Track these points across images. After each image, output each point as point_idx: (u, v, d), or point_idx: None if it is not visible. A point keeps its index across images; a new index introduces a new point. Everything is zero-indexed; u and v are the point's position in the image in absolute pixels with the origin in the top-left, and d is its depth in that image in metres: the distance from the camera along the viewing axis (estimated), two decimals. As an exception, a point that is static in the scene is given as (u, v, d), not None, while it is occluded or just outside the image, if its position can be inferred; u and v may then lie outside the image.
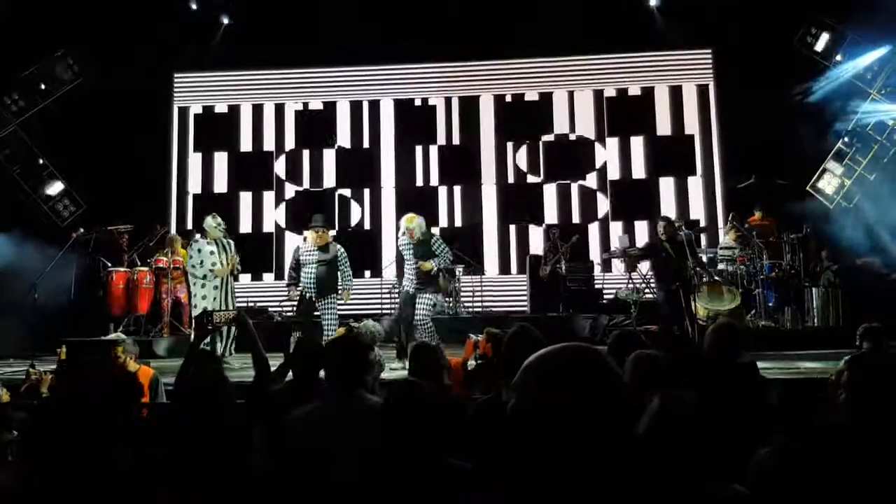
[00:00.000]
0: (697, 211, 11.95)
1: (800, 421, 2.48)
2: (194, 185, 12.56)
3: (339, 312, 7.41)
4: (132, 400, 3.77)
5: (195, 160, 12.63)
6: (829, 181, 10.69)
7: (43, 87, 10.73)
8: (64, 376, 4.43)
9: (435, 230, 7.93)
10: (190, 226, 11.81)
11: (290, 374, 3.89)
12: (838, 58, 10.57)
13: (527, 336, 2.86)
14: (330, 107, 12.60)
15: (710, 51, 12.07)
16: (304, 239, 7.58)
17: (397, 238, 7.71)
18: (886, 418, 2.30)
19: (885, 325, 4.56)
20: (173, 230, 11.07)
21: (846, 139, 10.66)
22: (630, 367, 2.74)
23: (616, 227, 12.03)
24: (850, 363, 2.45)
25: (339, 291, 7.41)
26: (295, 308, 7.69)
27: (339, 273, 7.36)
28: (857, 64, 10.43)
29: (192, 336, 7.14)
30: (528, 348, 2.66)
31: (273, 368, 3.99)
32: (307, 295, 7.24)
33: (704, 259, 8.89)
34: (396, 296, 11.04)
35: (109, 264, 9.39)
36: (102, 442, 2.56)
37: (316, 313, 7.31)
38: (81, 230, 9.45)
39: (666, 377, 2.81)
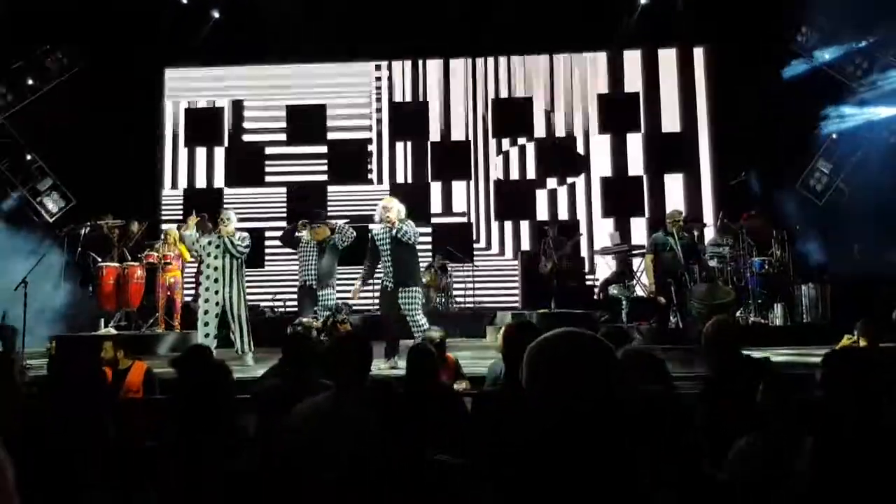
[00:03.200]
0: (689, 208, 11.99)
1: (783, 415, 2.52)
2: (185, 180, 12.51)
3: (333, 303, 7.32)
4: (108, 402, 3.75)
5: (185, 155, 12.57)
6: (819, 179, 10.79)
7: (31, 81, 10.64)
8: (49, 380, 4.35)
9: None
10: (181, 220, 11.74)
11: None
12: (827, 56, 10.68)
13: (527, 332, 2.86)
14: (319, 106, 12.59)
15: (700, 48, 12.15)
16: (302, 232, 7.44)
17: (371, 233, 6.86)
18: (863, 411, 2.33)
19: (876, 321, 4.62)
20: (166, 226, 10.95)
21: (835, 137, 10.76)
22: (622, 362, 2.73)
23: (606, 225, 12.08)
24: (825, 360, 2.47)
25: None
26: (297, 302, 7.54)
27: (337, 253, 7.25)
28: (840, 57, 10.55)
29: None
30: (529, 338, 2.67)
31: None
32: (307, 283, 7.15)
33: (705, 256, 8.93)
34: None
35: (100, 259, 9.32)
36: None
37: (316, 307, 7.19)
38: (71, 225, 9.38)
39: (658, 373, 2.83)
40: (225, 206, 11.15)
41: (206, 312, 6.98)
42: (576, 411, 1.35)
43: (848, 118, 10.63)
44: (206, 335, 6.92)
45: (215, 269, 7.01)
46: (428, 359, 3.78)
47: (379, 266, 6.76)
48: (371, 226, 6.92)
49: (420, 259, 10.91)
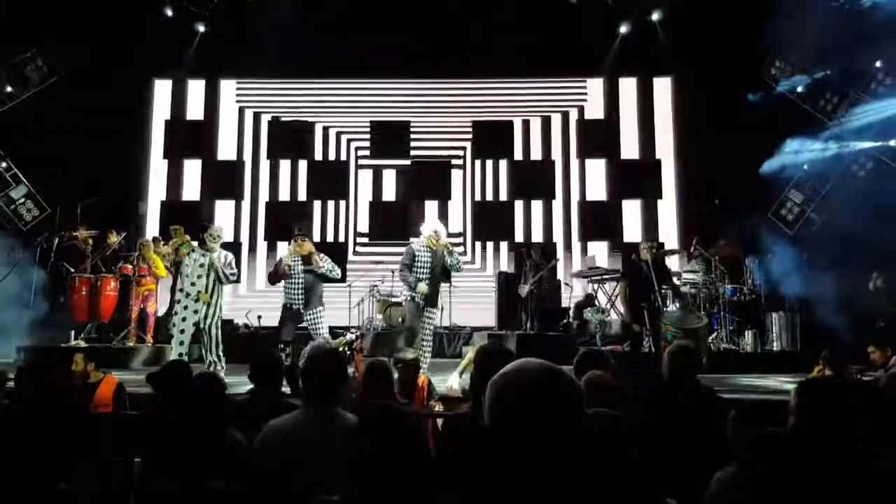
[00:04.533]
0: (660, 234, 12.19)
1: (757, 443, 2.56)
2: (163, 193, 12.42)
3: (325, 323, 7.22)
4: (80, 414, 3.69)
5: (164, 167, 12.49)
6: (790, 209, 11.02)
7: (10, 88, 10.55)
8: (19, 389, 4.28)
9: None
10: (157, 233, 11.60)
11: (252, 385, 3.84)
12: (800, 89, 10.96)
13: (498, 352, 2.89)
14: (303, 120, 12.63)
15: (671, 77, 12.44)
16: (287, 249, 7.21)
17: (410, 250, 6.90)
18: (834, 438, 2.39)
19: (844, 350, 4.74)
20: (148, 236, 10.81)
21: (806, 168, 11.02)
22: (583, 387, 2.80)
23: (581, 247, 12.23)
24: (798, 389, 2.54)
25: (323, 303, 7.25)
26: (279, 320, 7.48)
27: (323, 277, 7.14)
28: (812, 91, 10.86)
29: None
30: (501, 364, 2.71)
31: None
32: (293, 307, 7.06)
33: (677, 282, 9.05)
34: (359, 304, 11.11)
35: (73, 270, 9.20)
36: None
37: (301, 324, 7.14)
38: (46, 234, 9.27)
39: (613, 397, 2.87)
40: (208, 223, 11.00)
41: (182, 332, 6.86)
42: (538, 442, 1.36)
43: (819, 150, 10.90)
44: (181, 354, 6.83)
45: (193, 285, 6.90)
46: (385, 377, 3.72)
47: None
48: (413, 244, 6.95)
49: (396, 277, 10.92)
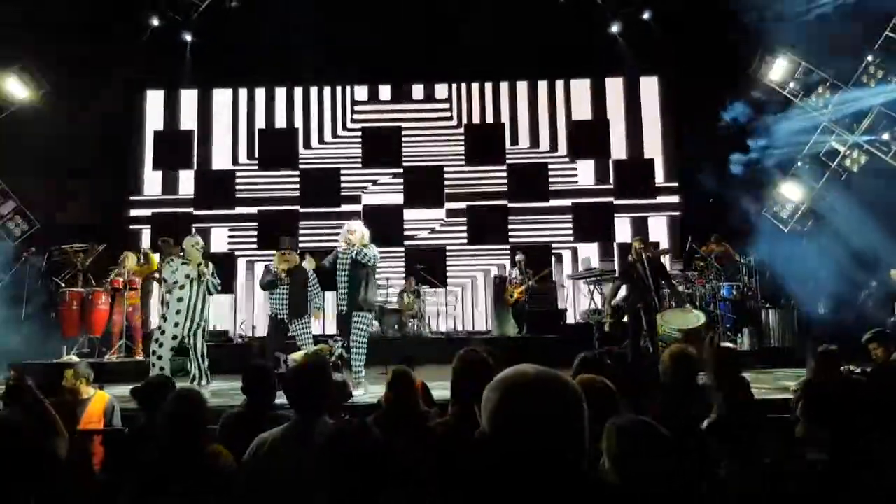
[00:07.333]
0: (655, 234, 12.17)
1: (751, 443, 2.52)
2: (153, 203, 12.33)
3: (312, 333, 7.26)
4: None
5: (153, 178, 12.41)
6: (784, 205, 11.00)
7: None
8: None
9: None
10: (147, 244, 11.49)
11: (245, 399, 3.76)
12: (792, 85, 10.94)
13: (472, 359, 2.83)
14: (291, 129, 12.58)
15: (667, 78, 12.42)
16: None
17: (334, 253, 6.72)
18: (843, 440, 2.35)
19: (838, 348, 4.65)
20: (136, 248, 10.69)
21: (800, 164, 11.00)
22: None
23: (577, 248, 12.19)
24: (803, 390, 2.50)
25: (311, 312, 7.29)
26: (267, 332, 7.42)
27: (309, 294, 7.23)
28: (808, 93, 10.85)
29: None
30: (474, 371, 2.66)
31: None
32: (278, 317, 7.08)
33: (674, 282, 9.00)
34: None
35: (63, 284, 9.09)
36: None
37: (290, 335, 7.14)
38: (33, 249, 9.15)
39: (607, 403, 2.80)
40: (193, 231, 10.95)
41: (160, 344, 6.72)
42: (540, 447, 1.31)
43: (813, 145, 10.88)
44: (161, 357, 6.72)
45: (179, 299, 6.76)
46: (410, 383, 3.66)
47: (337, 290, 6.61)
48: (338, 247, 6.72)
49: (392, 284, 10.83)
